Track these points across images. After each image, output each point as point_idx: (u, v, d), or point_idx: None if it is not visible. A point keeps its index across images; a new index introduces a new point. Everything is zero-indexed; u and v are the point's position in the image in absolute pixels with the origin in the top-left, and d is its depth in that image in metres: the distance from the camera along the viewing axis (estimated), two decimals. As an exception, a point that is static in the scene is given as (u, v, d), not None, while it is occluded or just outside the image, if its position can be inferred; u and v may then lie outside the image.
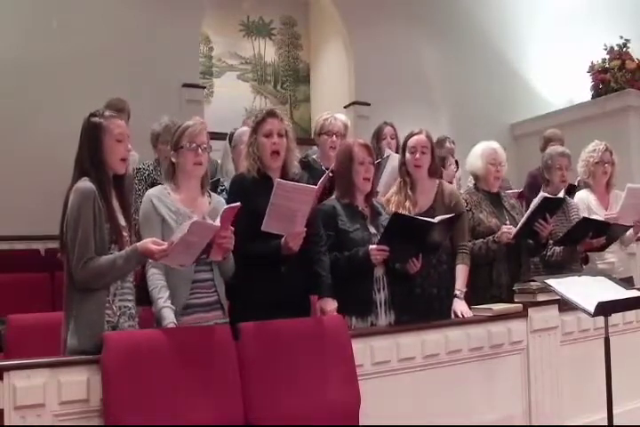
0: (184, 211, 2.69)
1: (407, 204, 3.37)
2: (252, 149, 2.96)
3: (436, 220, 2.99)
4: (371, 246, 2.97)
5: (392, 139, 4.51)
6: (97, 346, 2.30)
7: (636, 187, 3.98)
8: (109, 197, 2.46)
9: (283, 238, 2.77)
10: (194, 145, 2.73)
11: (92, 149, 2.45)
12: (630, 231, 4.08)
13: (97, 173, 2.44)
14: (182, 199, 2.74)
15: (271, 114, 2.97)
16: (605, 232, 3.78)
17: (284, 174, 2.98)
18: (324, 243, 2.99)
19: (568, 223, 3.91)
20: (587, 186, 4.28)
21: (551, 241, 3.81)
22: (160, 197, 2.71)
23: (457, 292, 3.29)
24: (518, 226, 3.49)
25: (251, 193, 2.84)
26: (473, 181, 3.91)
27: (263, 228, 2.67)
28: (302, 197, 2.69)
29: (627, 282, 3.78)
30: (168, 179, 2.81)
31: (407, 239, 2.94)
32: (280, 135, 2.94)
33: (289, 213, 2.69)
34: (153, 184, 3.65)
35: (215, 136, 4.99)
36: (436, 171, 3.49)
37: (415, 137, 3.43)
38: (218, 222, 2.44)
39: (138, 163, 4.21)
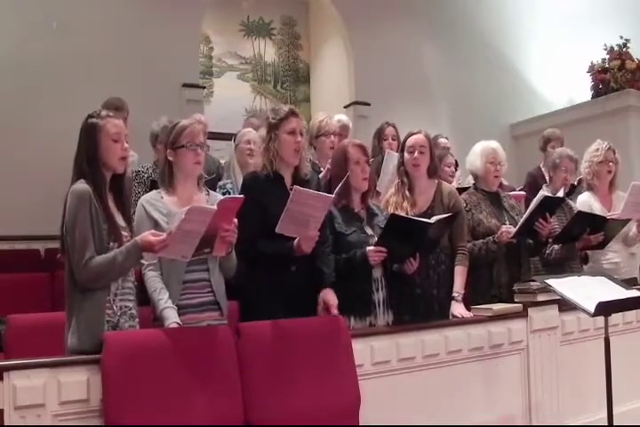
0: (175, 212, 2.68)
1: (405, 204, 3.36)
2: (272, 144, 2.97)
3: (432, 220, 2.99)
4: (368, 248, 2.97)
5: (393, 140, 4.51)
6: (97, 346, 2.30)
7: None
8: (106, 197, 2.46)
9: (296, 240, 2.78)
10: (194, 145, 2.73)
11: (89, 150, 2.45)
12: (634, 230, 4.07)
13: (93, 174, 2.44)
14: (177, 200, 2.73)
15: (294, 113, 3.00)
16: (602, 227, 3.77)
17: (297, 173, 3.01)
18: (329, 242, 3.00)
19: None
20: (590, 187, 4.27)
21: (550, 240, 3.81)
22: (151, 201, 2.72)
23: (455, 294, 3.29)
24: (518, 225, 3.49)
25: (263, 192, 2.86)
26: (473, 181, 3.91)
27: (277, 230, 2.69)
28: (318, 205, 2.70)
29: (631, 283, 3.77)
30: (163, 178, 2.80)
31: (404, 240, 2.94)
32: (301, 134, 2.97)
33: (303, 218, 2.70)
34: (152, 186, 3.65)
35: (215, 136, 5.02)
36: (434, 171, 3.49)
37: (414, 137, 3.43)
38: (215, 207, 2.43)
39: (137, 164, 4.21)
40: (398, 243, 2.95)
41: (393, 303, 3.11)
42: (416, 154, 3.39)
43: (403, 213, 3.23)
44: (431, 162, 3.44)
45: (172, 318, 2.55)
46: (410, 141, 3.43)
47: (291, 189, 2.91)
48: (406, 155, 3.44)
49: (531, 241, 3.62)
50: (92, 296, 2.39)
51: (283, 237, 2.75)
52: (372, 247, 2.96)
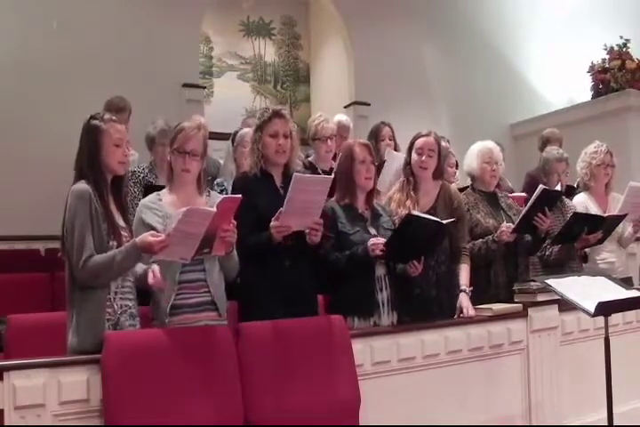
0: (172, 214, 2.67)
1: (408, 203, 3.37)
2: (256, 146, 2.98)
3: (444, 222, 2.99)
4: (369, 242, 2.94)
5: (390, 140, 4.51)
6: (97, 345, 2.30)
7: (637, 185, 3.97)
8: (106, 198, 2.47)
9: (272, 230, 2.75)
10: (183, 152, 2.71)
11: (90, 152, 2.46)
12: (630, 231, 4.08)
13: (94, 174, 2.45)
14: (176, 201, 2.72)
15: (278, 114, 2.98)
16: (601, 226, 3.78)
17: (286, 172, 3.00)
18: (331, 242, 3.00)
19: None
20: (586, 188, 4.27)
21: (548, 240, 3.81)
22: (149, 204, 2.71)
23: (462, 287, 3.29)
24: (517, 219, 3.50)
25: (253, 191, 2.85)
26: (470, 182, 3.91)
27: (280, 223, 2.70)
28: (318, 189, 2.71)
29: (626, 282, 3.78)
30: (169, 177, 2.80)
31: (413, 241, 2.93)
32: (285, 137, 2.96)
33: (305, 206, 2.71)
34: (147, 187, 3.64)
35: (215, 136, 5.02)
36: (440, 173, 3.51)
37: (423, 139, 3.43)
38: (214, 209, 2.42)
39: (136, 164, 4.21)
40: (406, 244, 2.93)
41: (397, 303, 3.09)
42: (424, 157, 3.40)
43: (405, 211, 3.23)
44: (438, 165, 3.46)
45: (144, 266, 2.52)
46: (419, 143, 3.43)
47: (281, 188, 2.95)
48: (414, 156, 3.44)
49: (529, 238, 3.62)
50: (93, 295, 2.39)
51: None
52: (373, 239, 2.95)
